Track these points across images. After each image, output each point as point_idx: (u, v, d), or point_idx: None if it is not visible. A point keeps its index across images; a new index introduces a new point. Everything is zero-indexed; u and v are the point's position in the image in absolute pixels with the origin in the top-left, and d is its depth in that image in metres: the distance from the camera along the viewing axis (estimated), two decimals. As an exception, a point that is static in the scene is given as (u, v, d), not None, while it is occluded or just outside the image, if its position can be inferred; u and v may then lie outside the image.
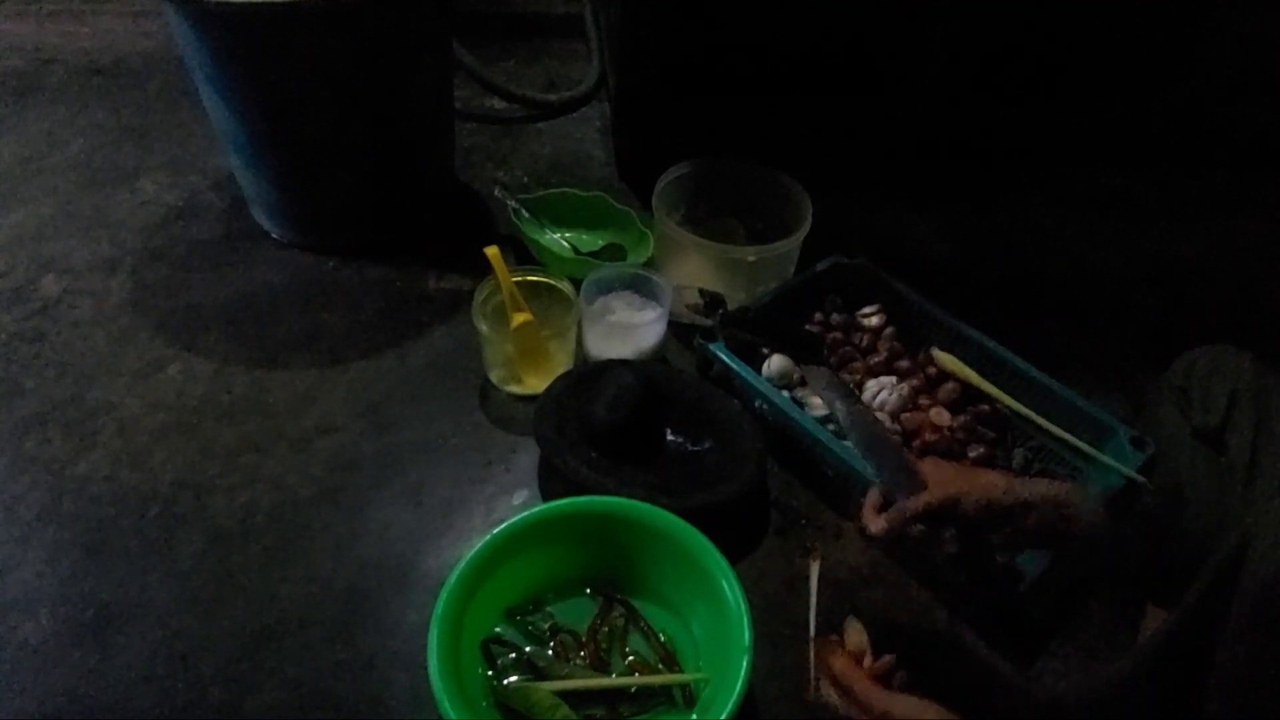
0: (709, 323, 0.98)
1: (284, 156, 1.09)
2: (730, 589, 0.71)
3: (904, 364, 1.00)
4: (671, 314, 1.01)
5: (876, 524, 0.67)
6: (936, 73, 1.24)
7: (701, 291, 1.00)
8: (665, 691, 0.72)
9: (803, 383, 0.99)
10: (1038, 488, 0.66)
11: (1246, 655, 0.39)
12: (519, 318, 0.95)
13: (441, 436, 0.95)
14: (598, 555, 0.78)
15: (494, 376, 1.00)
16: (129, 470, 0.90)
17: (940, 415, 0.94)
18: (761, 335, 0.98)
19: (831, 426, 0.88)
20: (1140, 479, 0.83)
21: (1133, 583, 0.80)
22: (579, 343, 1.02)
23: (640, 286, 1.03)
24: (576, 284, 1.00)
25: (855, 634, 0.70)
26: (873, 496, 0.70)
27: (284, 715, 0.73)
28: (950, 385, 0.97)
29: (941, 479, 0.66)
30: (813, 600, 0.75)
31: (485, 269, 0.96)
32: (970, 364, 0.98)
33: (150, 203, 1.24)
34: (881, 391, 0.95)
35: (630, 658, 0.75)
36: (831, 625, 0.72)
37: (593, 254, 1.14)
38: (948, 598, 0.82)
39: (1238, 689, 0.40)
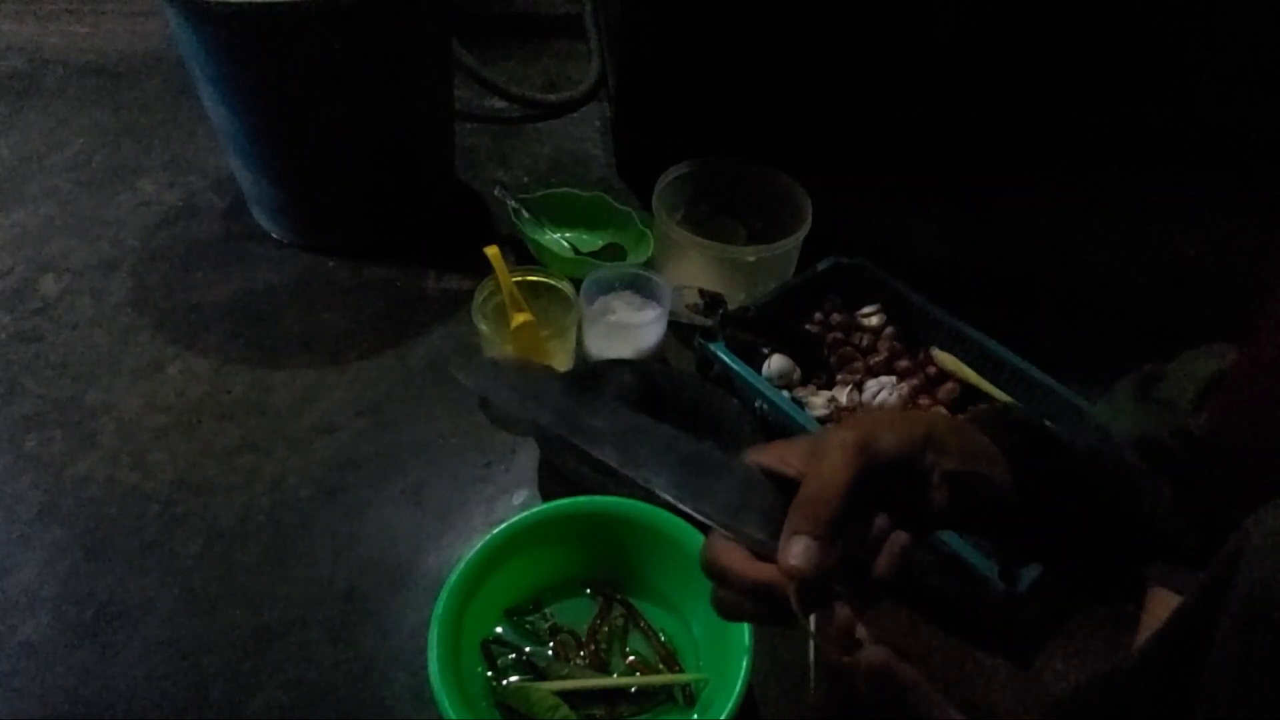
0: (709, 323, 0.98)
1: (284, 156, 1.09)
2: (730, 589, 0.71)
3: (904, 364, 1.00)
4: (671, 314, 1.01)
5: (791, 564, 0.38)
6: (937, 73, 1.24)
7: (701, 291, 1.00)
8: (665, 691, 0.72)
9: (803, 382, 0.99)
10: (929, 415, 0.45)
11: (1238, 656, 0.39)
12: (519, 318, 0.95)
13: (441, 436, 0.95)
14: (598, 555, 0.78)
15: (494, 376, 1.00)
16: (129, 470, 0.90)
17: (940, 415, 0.95)
18: (761, 335, 0.99)
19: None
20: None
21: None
22: (579, 343, 1.02)
23: (640, 286, 1.03)
24: (576, 284, 1.00)
25: (845, 617, 0.70)
26: (726, 553, 0.41)
27: (284, 715, 0.73)
28: (950, 385, 0.97)
29: (825, 445, 0.41)
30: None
31: (485, 269, 0.96)
32: (970, 364, 0.98)
33: (150, 203, 1.23)
34: (881, 391, 0.95)
35: (630, 658, 0.75)
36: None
37: (593, 254, 1.14)
38: (931, 607, 0.81)
39: (1229, 690, 0.40)
